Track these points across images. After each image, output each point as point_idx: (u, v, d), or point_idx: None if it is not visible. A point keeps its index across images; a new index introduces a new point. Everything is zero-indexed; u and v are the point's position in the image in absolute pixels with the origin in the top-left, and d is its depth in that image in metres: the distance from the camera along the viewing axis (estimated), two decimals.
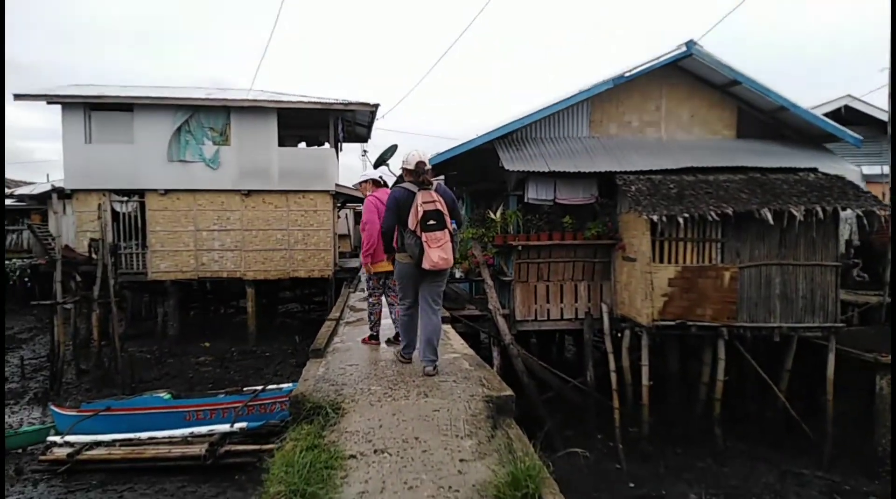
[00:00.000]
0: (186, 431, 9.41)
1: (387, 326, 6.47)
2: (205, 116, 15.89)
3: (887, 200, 10.84)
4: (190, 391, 12.20)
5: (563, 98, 11.14)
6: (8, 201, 23.57)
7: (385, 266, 5.61)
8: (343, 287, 13.78)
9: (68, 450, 9.02)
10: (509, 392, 4.24)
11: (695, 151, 10.98)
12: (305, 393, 4.32)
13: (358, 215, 22.43)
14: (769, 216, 8.80)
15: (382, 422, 3.80)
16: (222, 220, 16.23)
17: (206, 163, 15.87)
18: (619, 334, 10.14)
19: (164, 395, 10.65)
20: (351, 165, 40.96)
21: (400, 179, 5.11)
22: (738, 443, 9.37)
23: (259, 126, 16.05)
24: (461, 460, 3.21)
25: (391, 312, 6.25)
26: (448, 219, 4.73)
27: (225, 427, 9.37)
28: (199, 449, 8.85)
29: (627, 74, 11.02)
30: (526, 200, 10.51)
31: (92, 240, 14.59)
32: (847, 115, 14.29)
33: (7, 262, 20.57)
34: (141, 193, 15.94)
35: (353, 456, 3.29)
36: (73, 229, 15.83)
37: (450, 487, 2.91)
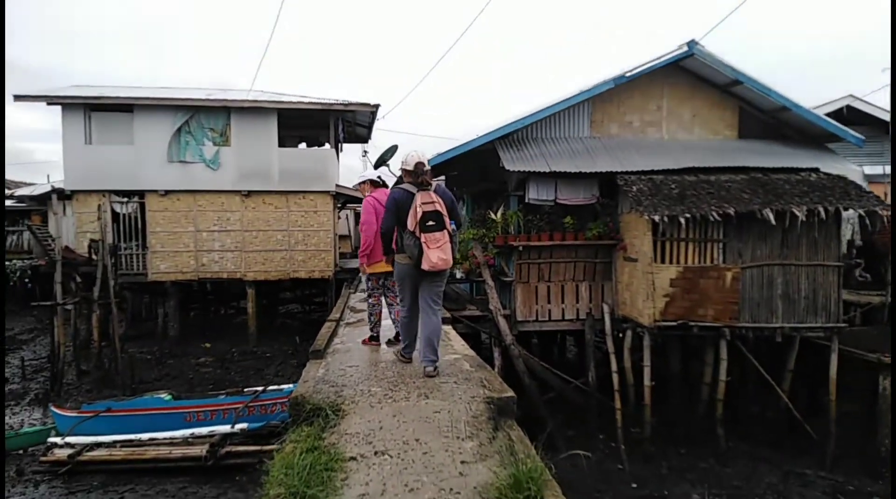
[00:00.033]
0: (187, 432, 9.38)
1: (387, 327, 6.45)
2: (205, 117, 15.86)
3: (889, 200, 10.81)
4: (190, 392, 12.17)
5: (564, 98, 11.11)
6: (8, 202, 23.55)
7: (383, 267, 5.58)
8: (343, 288, 13.76)
9: (69, 451, 8.99)
10: (510, 393, 4.21)
11: (696, 151, 10.95)
12: (305, 395, 4.29)
13: (358, 216, 22.34)
14: (771, 216, 8.78)
15: (383, 424, 3.78)
16: (222, 220, 16.21)
17: (207, 163, 15.85)
18: (621, 335, 10.12)
19: (165, 396, 10.62)
20: (351, 165, 41.08)
21: (400, 180, 5.10)
22: (740, 443, 9.35)
23: (259, 127, 16.03)
24: (462, 462, 3.19)
25: (391, 313, 6.23)
26: (447, 220, 4.72)
27: (226, 428, 9.34)
28: (199, 450, 8.82)
29: (628, 74, 10.99)
30: (527, 201, 10.49)
31: (92, 241, 14.57)
32: (849, 115, 14.25)
33: (7, 263, 20.54)
34: (141, 193, 15.92)
35: (353, 458, 3.27)
36: (73, 230, 15.81)
37: (451, 489, 2.88)
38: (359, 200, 18.27)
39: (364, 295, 7.04)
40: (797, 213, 8.78)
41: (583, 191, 10.48)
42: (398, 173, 5.17)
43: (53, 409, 10.41)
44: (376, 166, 9.17)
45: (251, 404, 10.00)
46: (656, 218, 8.86)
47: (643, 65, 11.08)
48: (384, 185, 6.25)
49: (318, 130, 18.55)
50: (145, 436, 9.28)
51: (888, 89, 11.37)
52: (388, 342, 6.21)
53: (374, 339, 6.26)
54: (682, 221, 8.87)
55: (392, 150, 9.19)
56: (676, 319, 9.06)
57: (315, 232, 16.59)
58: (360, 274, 6.46)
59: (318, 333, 6.94)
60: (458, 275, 10.97)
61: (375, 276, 6.12)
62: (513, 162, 10.35)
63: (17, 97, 14.85)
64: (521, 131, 11.32)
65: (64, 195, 16.04)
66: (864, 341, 9.30)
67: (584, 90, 11.09)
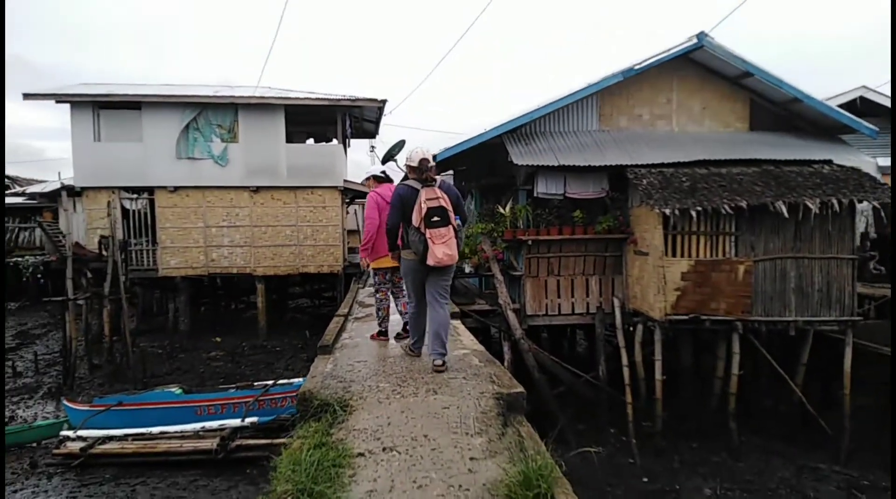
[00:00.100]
0: (198, 425, 9.45)
1: (395, 322, 6.43)
2: (213, 114, 15.89)
3: None
4: (201, 386, 12.26)
5: (572, 91, 11.00)
6: (19, 200, 23.75)
7: (389, 262, 5.56)
8: (352, 283, 13.77)
9: (81, 444, 9.08)
10: (520, 389, 4.18)
11: (707, 144, 10.82)
12: (313, 390, 4.28)
13: None
14: (784, 209, 8.67)
15: (391, 419, 3.75)
16: (231, 216, 16.26)
17: (215, 160, 15.88)
18: (632, 329, 10.04)
19: (176, 390, 10.71)
20: (359, 160, 40.97)
21: (407, 176, 5.10)
22: (753, 437, 9.28)
23: (267, 123, 16.03)
24: (471, 459, 3.16)
25: (398, 305, 6.22)
26: (452, 215, 4.73)
27: (236, 422, 9.38)
28: (210, 444, 8.89)
29: (637, 67, 10.86)
30: (535, 195, 10.41)
31: (102, 237, 14.66)
32: (862, 106, 14.05)
33: (20, 259, 20.71)
34: (150, 190, 15.99)
35: (361, 454, 3.25)
36: (83, 227, 15.91)
37: (460, 486, 2.86)
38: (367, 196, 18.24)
39: (372, 290, 7.02)
40: (810, 205, 8.67)
41: (592, 185, 10.39)
42: (405, 168, 5.16)
43: (66, 402, 10.52)
44: (384, 161, 9.15)
45: (261, 398, 10.05)
46: (667, 211, 8.77)
47: (652, 57, 10.94)
48: (388, 180, 6.25)
49: (325, 125, 18.55)
50: (156, 430, 9.35)
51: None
52: (397, 336, 6.21)
53: (382, 334, 6.26)
54: (694, 214, 8.77)
55: (399, 145, 9.17)
56: (688, 312, 8.97)
57: (324, 227, 16.61)
58: (363, 269, 6.46)
59: (327, 327, 6.93)
60: (467, 269, 10.93)
61: (382, 271, 6.11)
62: (521, 156, 10.28)
63: (27, 96, 14.93)
64: (530, 125, 11.23)
65: (74, 192, 16.12)
66: (878, 335, 9.19)
67: (593, 83, 10.96)
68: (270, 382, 10.96)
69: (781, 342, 9.79)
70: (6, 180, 27.90)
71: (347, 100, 16.12)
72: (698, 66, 11.38)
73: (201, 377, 13.29)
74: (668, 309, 9.00)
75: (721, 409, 9.42)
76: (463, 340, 6.22)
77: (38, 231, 20.98)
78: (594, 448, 6.62)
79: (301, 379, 10.15)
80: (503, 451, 3.27)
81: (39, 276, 20.58)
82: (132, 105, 15.60)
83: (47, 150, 68.17)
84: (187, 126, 15.70)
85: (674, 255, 9.08)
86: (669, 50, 10.88)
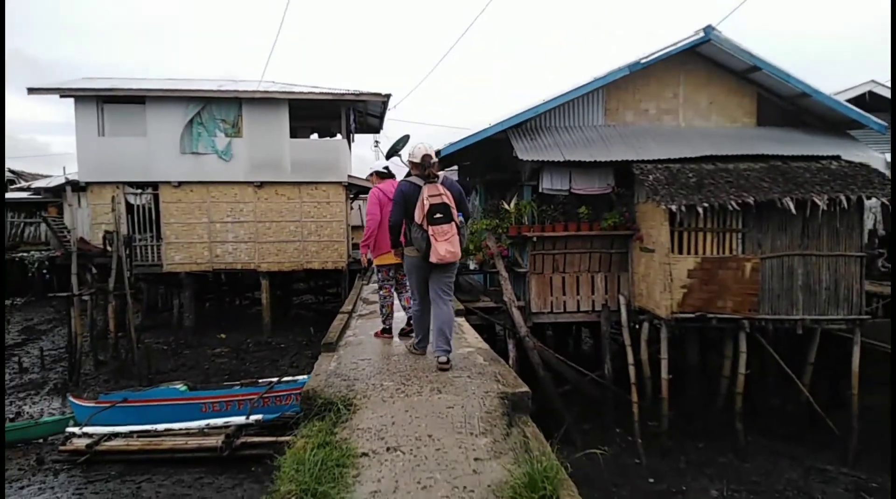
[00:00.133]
0: (203, 423, 9.44)
1: (400, 319, 6.39)
2: (217, 108, 15.87)
3: None
4: (206, 383, 12.26)
5: (578, 86, 10.93)
6: (24, 194, 23.82)
7: (391, 258, 5.53)
8: (356, 279, 13.74)
9: (87, 441, 9.09)
10: (525, 388, 4.13)
11: (714, 139, 10.74)
12: (317, 388, 4.24)
13: None
14: (791, 206, 8.59)
15: (395, 419, 3.71)
16: (235, 211, 16.26)
17: (219, 155, 15.87)
18: (637, 327, 9.99)
19: (181, 386, 10.72)
20: (364, 155, 40.90)
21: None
22: (760, 438, 9.22)
23: (271, 117, 16.01)
24: (476, 459, 3.11)
25: (401, 299, 6.19)
26: (455, 212, 4.69)
27: (241, 419, 9.37)
28: (215, 441, 8.88)
29: (644, 61, 10.78)
30: (540, 191, 10.36)
31: (106, 232, 14.69)
32: (871, 101, 13.89)
33: (26, 254, 20.81)
34: (154, 185, 16.00)
35: (365, 454, 3.21)
36: (88, 222, 15.94)
37: (464, 487, 2.81)
38: None
39: (376, 286, 6.99)
40: (818, 202, 8.58)
41: (598, 180, 10.32)
42: (408, 164, 5.12)
43: (72, 399, 10.55)
44: (388, 156, 9.15)
45: (266, 396, 10.05)
46: (673, 207, 8.70)
47: (659, 51, 10.86)
48: (390, 176, 6.21)
49: (329, 120, 18.51)
50: (161, 427, 9.35)
51: None
52: (401, 332, 6.17)
53: (386, 331, 6.22)
54: (700, 210, 8.70)
55: (403, 140, 9.16)
56: (694, 310, 8.91)
57: (328, 223, 16.58)
58: (363, 264, 6.44)
59: (331, 325, 6.90)
60: (472, 266, 10.89)
61: (385, 267, 6.08)
62: (526, 151, 10.22)
63: (31, 90, 14.99)
64: (534, 120, 11.17)
65: (78, 187, 16.15)
66: (886, 334, 9.11)
67: (599, 77, 10.90)
68: (275, 379, 10.96)
69: (789, 341, 9.73)
70: (12, 175, 28.01)
71: (352, 94, 16.07)
72: (705, 60, 11.30)
73: (206, 374, 13.31)
74: (675, 307, 8.94)
75: (728, 408, 9.36)
76: (467, 338, 6.17)
77: (43, 226, 21.06)
78: (600, 450, 6.56)
79: (305, 376, 10.12)
80: (508, 451, 3.23)
81: (45, 271, 20.70)
82: (136, 99, 15.62)
83: (52, 144, 68.57)
84: (191, 121, 15.69)
85: (680, 252, 9.01)
86: (676, 44, 10.80)
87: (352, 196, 18.73)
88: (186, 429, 9.35)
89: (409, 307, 5.65)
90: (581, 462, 5.48)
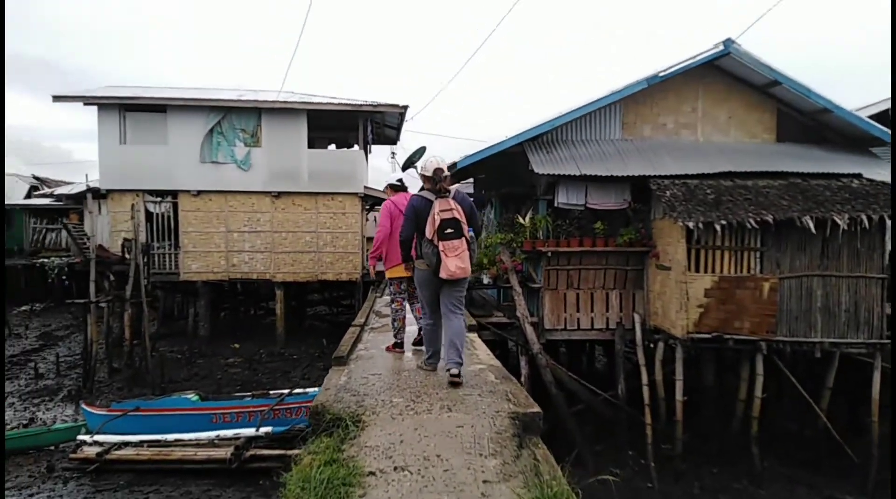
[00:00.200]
0: (213, 433, 9.45)
1: (412, 333, 6.36)
2: (236, 118, 16.05)
3: None
4: (218, 393, 12.29)
5: (595, 99, 10.89)
6: (47, 201, 24.26)
7: (401, 271, 5.52)
8: (370, 291, 13.73)
9: (97, 449, 9.14)
10: (536, 409, 4.06)
11: (732, 155, 10.62)
12: (326, 404, 4.20)
13: None
14: (811, 224, 8.44)
15: (404, 437, 3.66)
16: (252, 221, 16.38)
17: (238, 164, 16.03)
18: (652, 346, 9.83)
19: (192, 396, 10.75)
20: (380, 166, 41.15)
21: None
22: (776, 464, 8.98)
23: (289, 128, 16.15)
24: (485, 482, 3.05)
25: (412, 309, 6.16)
26: (465, 227, 4.66)
27: (251, 431, 9.36)
28: (224, 453, 8.87)
29: (662, 74, 10.72)
30: (556, 205, 10.29)
31: (125, 240, 14.86)
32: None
33: (46, 260, 21.16)
34: (174, 193, 16.18)
35: (372, 473, 3.16)
36: (107, 229, 16.15)
37: None
38: None
39: (389, 299, 6.98)
40: (839, 221, 8.42)
41: (614, 195, 10.23)
42: (420, 177, 5.12)
43: (84, 406, 10.63)
44: (404, 168, 9.15)
45: (276, 408, 10.03)
46: (691, 224, 8.59)
47: (677, 64, 10.80)
48: (403, 189, 6.23)
49: (347, 131, 18.63)
50: (171, 437, 9.37)
51: None
52: (414, 342, 6.18)
53: (398, 346, 6.18)
54: (718, 227, 8.58)
55: (420, 151, 9.16)
56: (711, 331, 8.75)
57: (343, 234, 16.63)
58: (371, 276, 6.44)
59: (343, 338, 6.88)
60: (486, 280, 10.82)
61: (397, 280, 6.07)
62: (542, 165, 10.17)
63: (56, 98, 15.30)
64: (551, 133, 11.13)
65: (99, 194, 16.40)
66: None
67: (616, 91, 10.85)
68: (286, 391, 10.96)
69: (806, 364, 9.53)
70: (35, 181, 28.55)
71: (369, 105, 16.17)
72: (724, 73, 11.21)
73: (218, 384, 13.35)
74: (691, 327, 8.79)
75: (743, 432, 9.13)
76: (479, 355, 6.11)
77: (64, 233, 21.40)
78: (612, 476, 6.43)
79: (316, 389, 10.11)
80: (518, 474, 3.16)
81: (64, 277, 21.00)
82: (158, 108, 15.85)
83: (74, 151, 69.77)
84: (211, 130, 15.88)
85: (697, 270, 8.87)
86: (695, 57, 10.73)
87: (367, 207, 18.79)
88: (196, 440, 9.36)
89: (420, 318, 5.62)
90: (592, 486, 5.36)
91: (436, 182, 4.70)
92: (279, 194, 16.31)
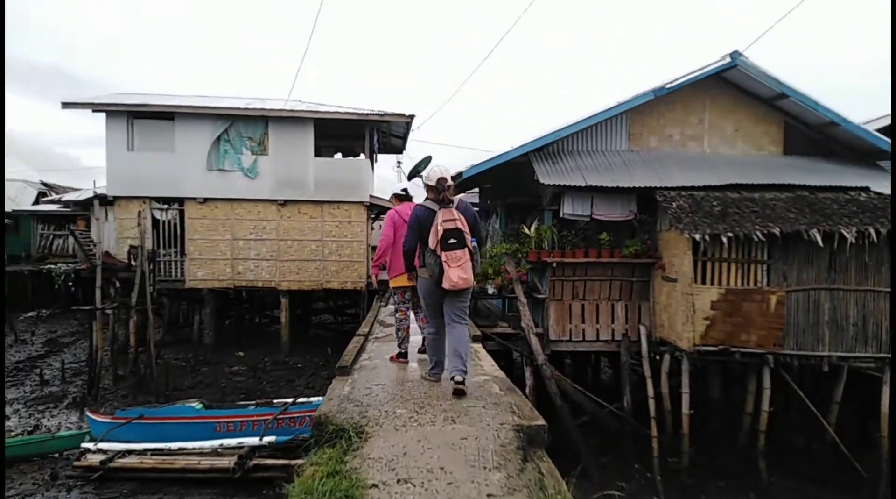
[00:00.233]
0: (216, 442, 9.42)
1: (417, 343, 6.35)
2: (243, 126, 16.12)
3: None
4: (222, 401, 12.27)
5: (601, 110, 10.90)
6: (54, 207, 24.41)
7: (404, 281, 5.52)
8: (375, 300, 13.71)
9: (101, 457, 9.14)
10: (541, 422, 4.03)
11: (739, 167, 10.60)
12: (329, 414, 4.19)
13: None
14: (818, 238, 8.40)
15: (407, 449, 3.64)
16: (258, 229, 16.40)
17: (245, 172, 16.08)
18: (658, 358, 9.77)
19: (196, 405, 10.73)
20: (386, 176, 41.23)
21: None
22: (783, 478, 8.88)
23: (296, 136, 16.21)
24: (489, 495, 3.02)
25: (416, 318, 6.15)
26: (468, 238, 4.66)
27: (254, 440, 9.33)
28: (228, 462, 8.84)
29: (669, 86, 10.73)
30: (561, 216, 10.28)
31: (131, 247, 14.91)
32: None
33: (52, 266, 21.25)
34: (180, 200, 16.22)
35: (374, 485, 3.14)
36: (114, 236, 16.21)
37: None
38: None
39: (393, 308, 6.98)
40: (846, 234, 8.38)
41: (620, 206, 10.21)
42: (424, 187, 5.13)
43: (88, 414, 10.63)
44: (410, 177, 9.19)
45: (280, 417, 10.00)
46: (697, 236, 8.56)
47: (684, 76, 10.81)
48: (408, 198, 6.25)
49: (353, 140, 18.66)
50: (175, 445, 9.35)
51: None
52: (419, 351, 6.19)
53: (402, 356, 6.17)
54: (725, 240, 8.54)
55: (426, 161, 9.19)
56: (717, 343, 8.69)
57: (349, 243, 16.64)
58: (374, 285, 6.46)
59: (347, 347, 6.87)
60: (490, 290, 10.79)
61: (401, 290, 6.06)
62: (548, 175, 10.17)
63: (65, 104, 15.40)
64: (557, 143, 11.15)
65: (106, 201, 16.47)
66: None
67: (622, 102, 10.86)
68: (290, 400, 10.91)
69: (814, 378, 9.44)
70: (44, 187, 28.76)
71: (376, 114, 16.21)
72: (731, 86, 11.21)
73: (223, 392, 13.32)
74: (697, 339, 8.73)
75: (750, 446, 9.05)
76: (483, 366, 6.08)
77: (71, 239, 21.52)
78: (618, 490, 6.37)
79: (320, 398, 10.09)
80: (522, 488, 3.13)
81: (71, 284, 21.08)
82: (166, 115, 15.92)
83: (83, 158, 70.24)
84: (219, 138, 15.94)
85: (703, 282, 8.83)
86: (702, 69, 10.75)
87: (373, 216, 18.81)
88: (200, 448, 9.34)
89: (424, 327, 5.62)
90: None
91: (439, 192, 4.70)
92: (285, 202, 16.34)
